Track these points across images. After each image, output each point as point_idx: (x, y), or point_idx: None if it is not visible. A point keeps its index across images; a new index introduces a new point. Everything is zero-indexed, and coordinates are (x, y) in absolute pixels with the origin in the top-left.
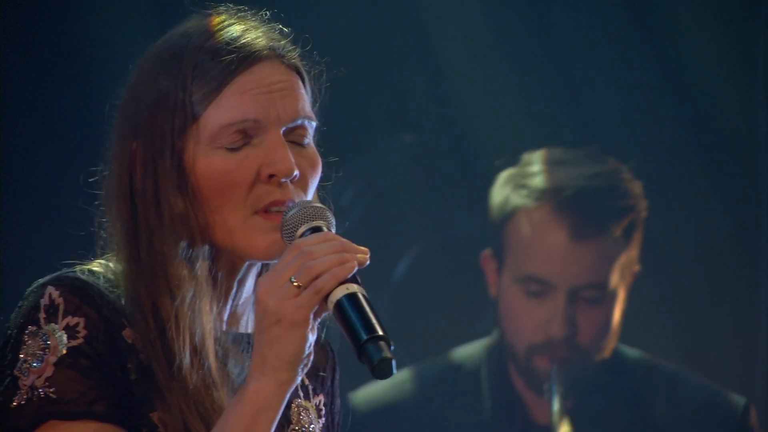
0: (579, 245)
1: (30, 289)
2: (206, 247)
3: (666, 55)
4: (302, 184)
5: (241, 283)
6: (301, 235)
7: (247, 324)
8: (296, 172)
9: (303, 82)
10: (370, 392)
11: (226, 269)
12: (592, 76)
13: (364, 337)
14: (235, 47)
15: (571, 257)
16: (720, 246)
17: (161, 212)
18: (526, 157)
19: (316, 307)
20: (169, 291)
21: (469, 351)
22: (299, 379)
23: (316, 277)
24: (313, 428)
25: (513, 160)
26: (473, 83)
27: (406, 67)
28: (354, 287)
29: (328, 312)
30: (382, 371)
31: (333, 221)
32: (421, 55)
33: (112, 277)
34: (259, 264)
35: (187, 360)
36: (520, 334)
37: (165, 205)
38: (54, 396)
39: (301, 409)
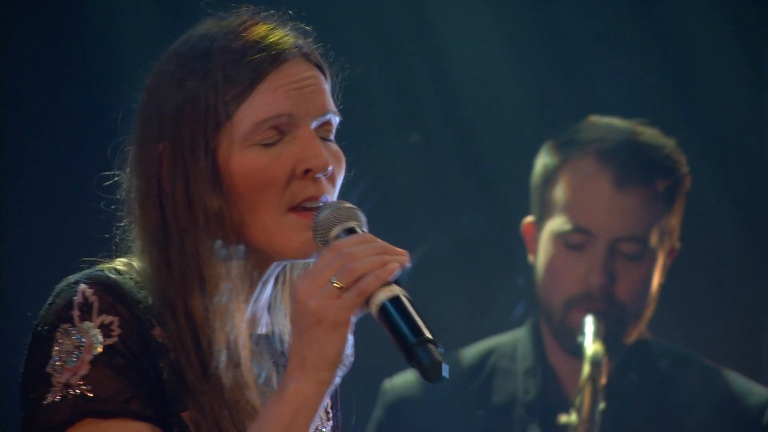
0: (622, 193)
1: (60, 286)
2: (240, 247)
3: (673, 54)
4: (332, 179)
5: (265, 284)
6: (336, 237)
7: (264, 325)
8: (331, 167)
9: (326, 79)
10: (401, 383)
11: (256, 269)
12: (600, 76)
13: (412, 340)
14: (263, 46)
15: (613, 206)
16: (726, 245)
17: (194, 213)
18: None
19: (358, 309)
20: (202, 291)
21: (503, 338)
22: (338, 379)
23: (359, 279)
24: (324, 430)
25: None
26: (480, 83)
27: (413, 67)
28: (397, 289)
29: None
30: (433, 374)
31: (365, 221)
32: (428, 55)
33: (137, 277)
34: (282, 266)
35: (222, 361)
36: (558, 288)
37: (198, 205)
38: (90, 394)
39: None
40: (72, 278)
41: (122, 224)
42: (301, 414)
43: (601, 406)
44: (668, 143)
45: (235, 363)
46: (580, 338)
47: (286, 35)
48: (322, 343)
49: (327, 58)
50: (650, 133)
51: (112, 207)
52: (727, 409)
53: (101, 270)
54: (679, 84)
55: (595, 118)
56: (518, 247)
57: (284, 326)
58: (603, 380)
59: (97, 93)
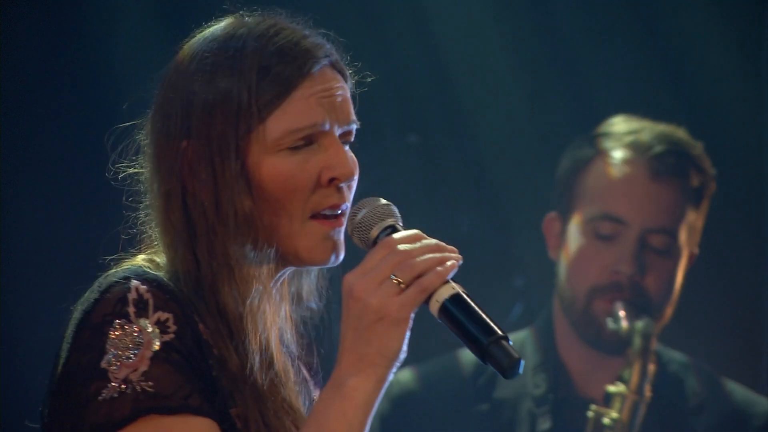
0: (657, 184)
1: (105, 282)
2: (269, 250)
3: (672, 53)
4: (350, 187)
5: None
6: (377, 236)
7: None
8: (355, 176)
9: (348, 86)
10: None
11: (277, 271)
12: (598, 77)
13: (486, 340)
14: (298, 52)
15: (648, 195)
16: (725, 246)
17: (223, 214)
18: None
19: (419, 306)
20: (234, 292)
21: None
22: (391, 376)
23: (419, 276)
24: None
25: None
26: (478, 84)
27: (411, 68)
28: (457, 286)
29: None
30: (512, 372)
31: (399, 216)
32: (427, 56)
33: (165, 274)
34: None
35: (257, 362)
36: (584, 277)
37: (228, 206)
38: (152, 390)
39: None
40: (120, 274)
41: (139, 219)
42: (362, 410)
43: (650, 379)
44: (698, 145)
45: (269, 363)
46: (610, 323)
47: (317, 43)
48: (383, 339)
49: (348, 64)
50: (683, 132)
51: (129, 200)
52: (733, 416)
53: (141, 267)
54: (678, 83)
55: (626, 116)
56: (516, 249)
57: (284, 318)
58: (653, 354)
59: (96, 92)
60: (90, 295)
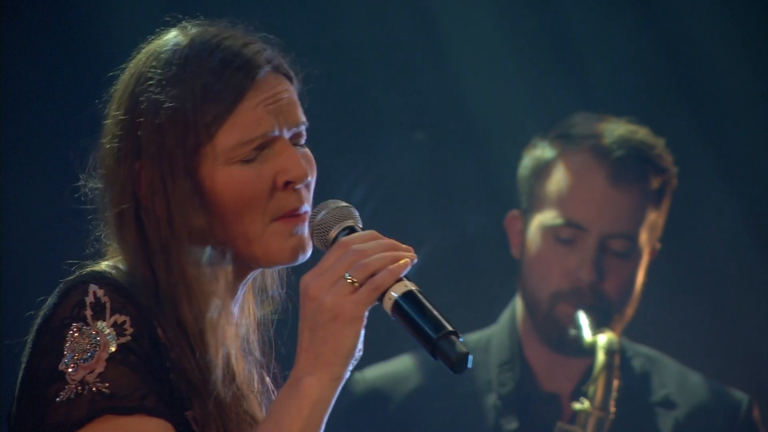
0: (616, 190)
1: (64, 286)
2: (228, 258)
3: (678, 49)
4: (308, 186)
5: (242, 288)
6: (335, 236)
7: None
8: (309, 177)
9: (294, 87)
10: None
11: (238, 277)
12: (606, 74)
13: (435, 335)
14: (239, 64)
15: (607, 201)
16: (733, 248)
17: (176, 230)
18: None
19: (373, 304)
20: (192, 308)
21: (475, 335)
22: (348, 374)
23: (372, 274)
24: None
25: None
26: (484, 81)
27: (418, 65)
28: (410, 284)
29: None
30: (460, 366)
31: (359, 218)
32: (433, 53)
33: (127, 280)
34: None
35: (219, 376)
36: (546, 282)
37: (181, 223)
38: (107, 391)
39: None
40: (77, 278)
41: (100, 232)
42: (318, 408)
43: (614, 395)
44: (659, 142)
45: (231, 377)
46: (573, 332)
47: (258, 50)
48: (338, 338)
49: (289, 59)
50: (644, 132)
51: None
52: (701, 409)
53: (101, 272)
54: (685, 81)
55: (587, 114)
56: None
57: (249, 324)
58: (617, 369)
59: (96, 92)
60: (51, 300)
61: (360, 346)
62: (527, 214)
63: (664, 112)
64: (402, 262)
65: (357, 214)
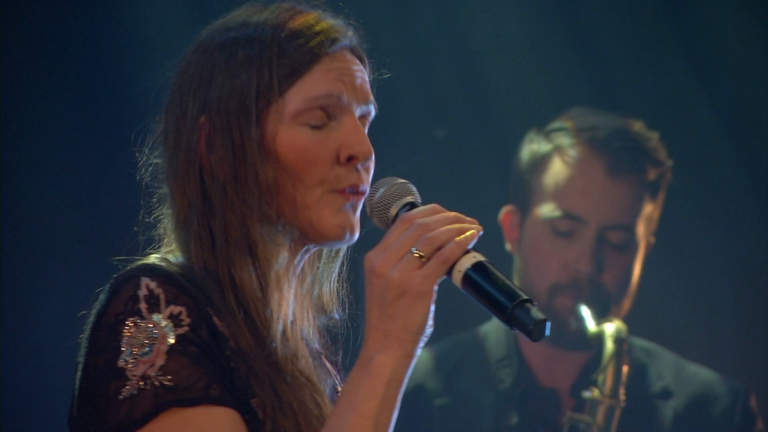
0: (614, 182)
1: (115, 282)
2: (290, 225)
3: (696, 44)
4: (367, 170)
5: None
6: (396, 213)
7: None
8: (372, 158)
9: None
10: None
11: (292, 251)
12: (625, 71)
13: (510, 304)
14: (318, 31)
15: (605, 193)
16: (753, 246)
17: (243, 186)
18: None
19: (442, 278)
20: (252, 263)
21: (467, 334)
22: (419, 351)
23: (439, 248)
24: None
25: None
26: (505, 78)
27: (438, 62)
28: (479, 255)
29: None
30: (538, 333)
31: (417, 193)
32: (454, 50)
33: (178, 269)
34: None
35: (279, 331)
36: (544, 274)
37: (250, 178)
38: (170, 384)
39: None
40: (126, 273)
41: (153, 216)
42: (392, 386)
43: (623, 381)
44: (654, 136)
45: (287, 335)
46: (574, 324)
47: (337, 25)
48: (408, 314)
49: (369, 54)
50: (639, 125)
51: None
52: (701, 397)
53: (151, 264)
54: (703, 75)
55: (582, 108)
56: None
57: (305, 319)
58: (626, 356)
59: (99, 91)
60: (102, 296)
61: (430, 321)
62: (523, 208)
63: (688, 113)
64: (469, 233)
65: (415, 189)
